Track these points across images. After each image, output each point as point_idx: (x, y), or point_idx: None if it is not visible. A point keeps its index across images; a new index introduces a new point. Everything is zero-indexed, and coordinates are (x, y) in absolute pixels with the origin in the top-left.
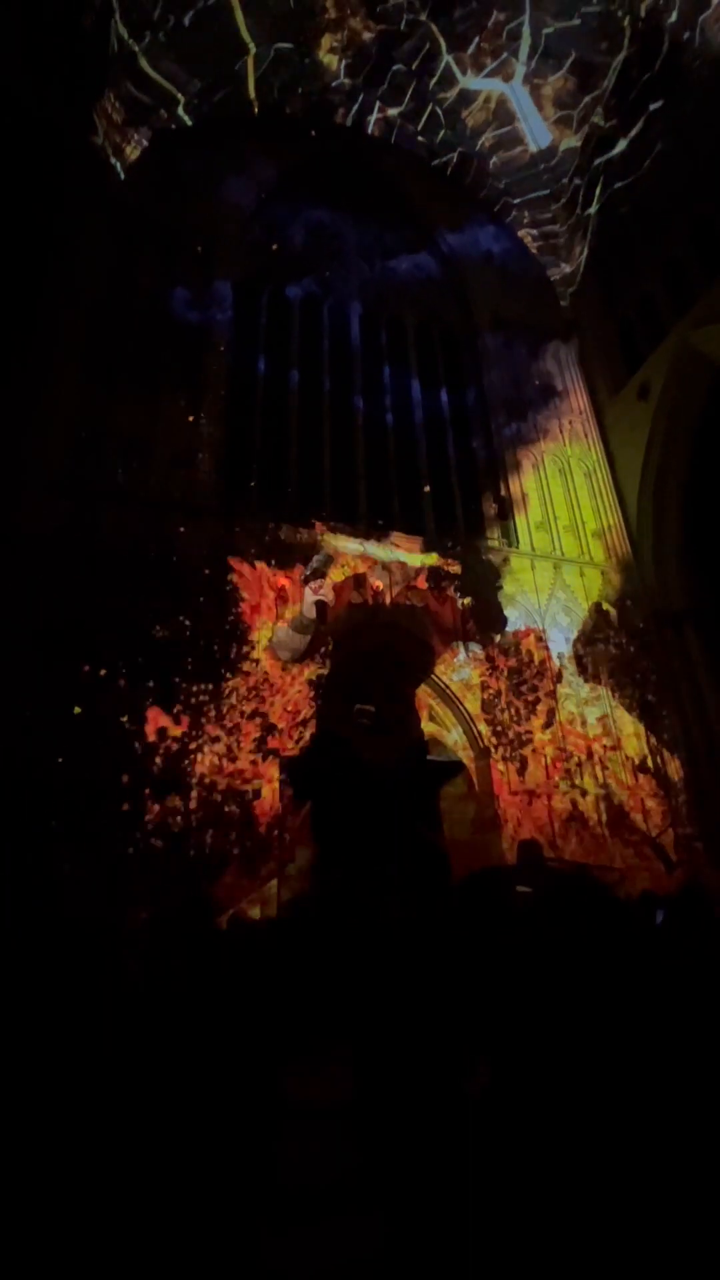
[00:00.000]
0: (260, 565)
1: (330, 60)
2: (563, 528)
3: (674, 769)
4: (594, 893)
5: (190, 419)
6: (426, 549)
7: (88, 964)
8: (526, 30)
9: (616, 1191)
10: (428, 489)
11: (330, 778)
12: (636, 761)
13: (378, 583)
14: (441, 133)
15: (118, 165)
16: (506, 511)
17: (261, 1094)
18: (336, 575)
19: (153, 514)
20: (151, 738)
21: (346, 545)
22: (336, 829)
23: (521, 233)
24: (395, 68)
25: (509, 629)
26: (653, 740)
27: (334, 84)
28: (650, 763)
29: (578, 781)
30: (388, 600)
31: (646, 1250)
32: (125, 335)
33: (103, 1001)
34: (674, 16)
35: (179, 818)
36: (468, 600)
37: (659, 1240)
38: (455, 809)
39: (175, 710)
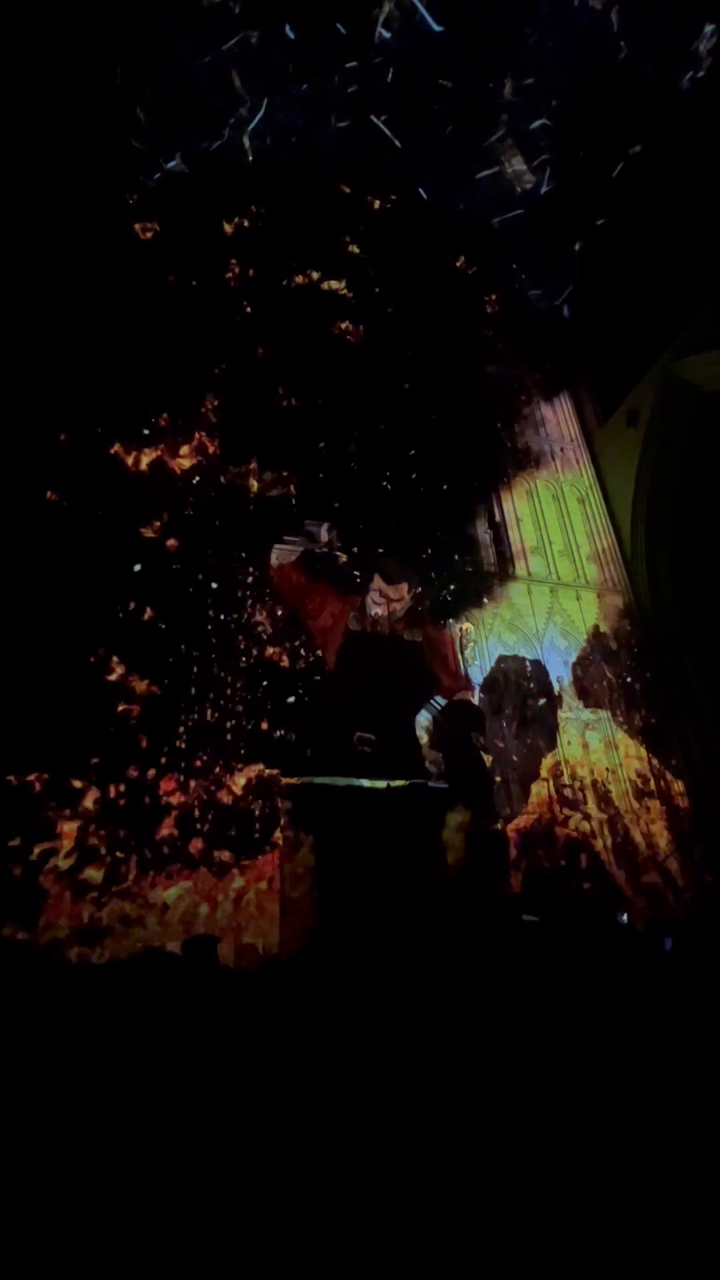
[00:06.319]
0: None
1: (318, 113)
2: (558, 552)
3: (678, 792)
4: (600, 919)
5: (185, 449)
6: (420, 574)
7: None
8: (509, 83)
9: (624, 1207)
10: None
11: (333, 806)
12: (640, 786)
13: (377, 609)
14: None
15: (117, 210)
16: (501, 536)
17: (260, 1135)
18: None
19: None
20: None
21: None
22: (339, 859)
23: (509, 263)
24: (384, 118)
25: (508, 651)
26: (655, 764)
27: (323, 129)
28: (654, 786)
29: (581, 807)
30: (386, 628)
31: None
32: (124, 372)
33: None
34: (652, 63)
35: None
36: (468, 626)
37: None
38: (457, 836)
39: None
